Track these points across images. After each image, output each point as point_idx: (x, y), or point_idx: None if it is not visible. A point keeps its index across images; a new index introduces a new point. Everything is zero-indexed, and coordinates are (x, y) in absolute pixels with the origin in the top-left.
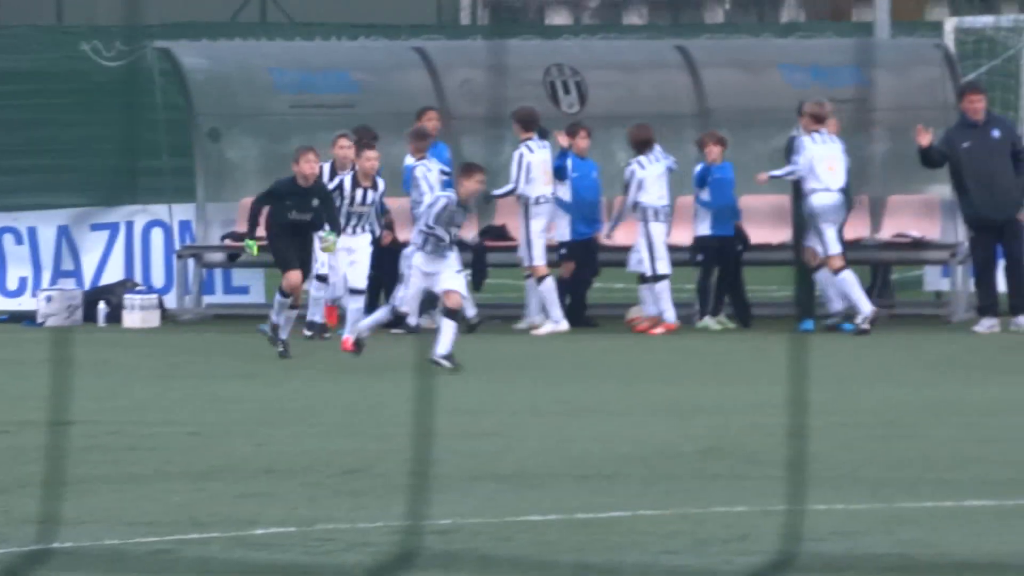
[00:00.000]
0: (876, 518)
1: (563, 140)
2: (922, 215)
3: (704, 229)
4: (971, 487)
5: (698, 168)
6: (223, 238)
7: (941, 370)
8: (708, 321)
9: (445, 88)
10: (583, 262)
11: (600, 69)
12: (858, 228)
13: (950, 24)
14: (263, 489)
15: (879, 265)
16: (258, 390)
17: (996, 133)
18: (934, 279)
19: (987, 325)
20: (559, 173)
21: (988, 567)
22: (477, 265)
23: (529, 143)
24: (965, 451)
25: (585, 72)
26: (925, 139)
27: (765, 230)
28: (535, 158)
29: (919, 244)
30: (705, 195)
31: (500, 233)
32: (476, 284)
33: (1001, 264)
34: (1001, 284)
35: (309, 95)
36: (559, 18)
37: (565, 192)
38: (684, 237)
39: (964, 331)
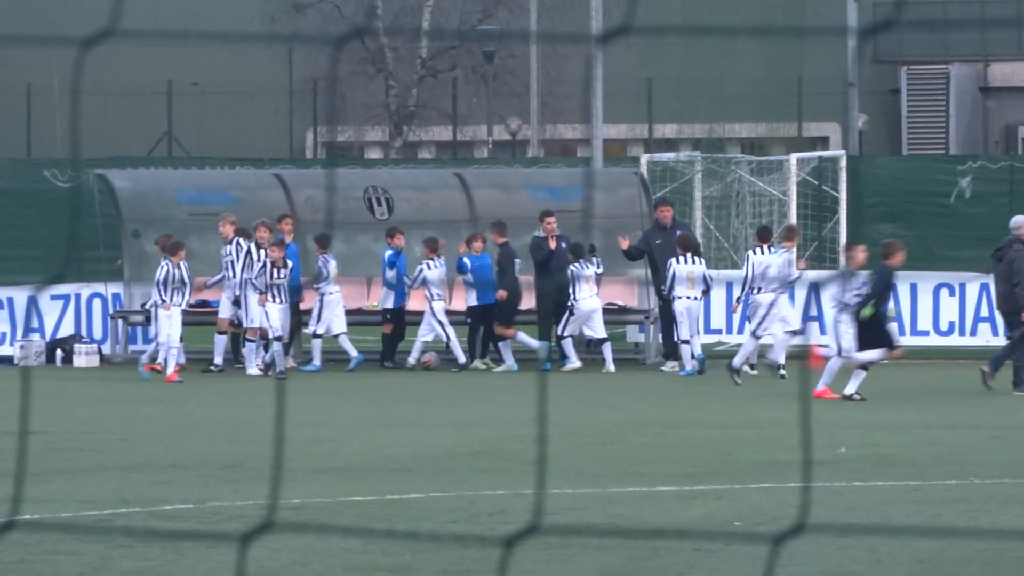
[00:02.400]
0: (595, 499)
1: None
2: (625, 289)
3: (472, 300)
4: (660, 477)
5: (459, 259)
6: (142, 305)
7: (639, 396)
8: (477, 363)
9: (295, 202)
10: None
11: (403, 188)
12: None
13: (644, 158)
14: (170, 478)
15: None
16: (167, 410)
17: (679, 233)
18: (633, 334)
19: (670, 366)
20: (460, 268)
21: (671, 532)
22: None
23: (429, 262)
24: (656, 452)
25: (392, 191)
26: (624, 244)
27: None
28: (432, 274)
29: (624, 309)
30: (469, 277)
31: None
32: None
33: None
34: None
35: (202, 206)
36: (374, 153)
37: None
38: (461, 305)
39: (654, 370)
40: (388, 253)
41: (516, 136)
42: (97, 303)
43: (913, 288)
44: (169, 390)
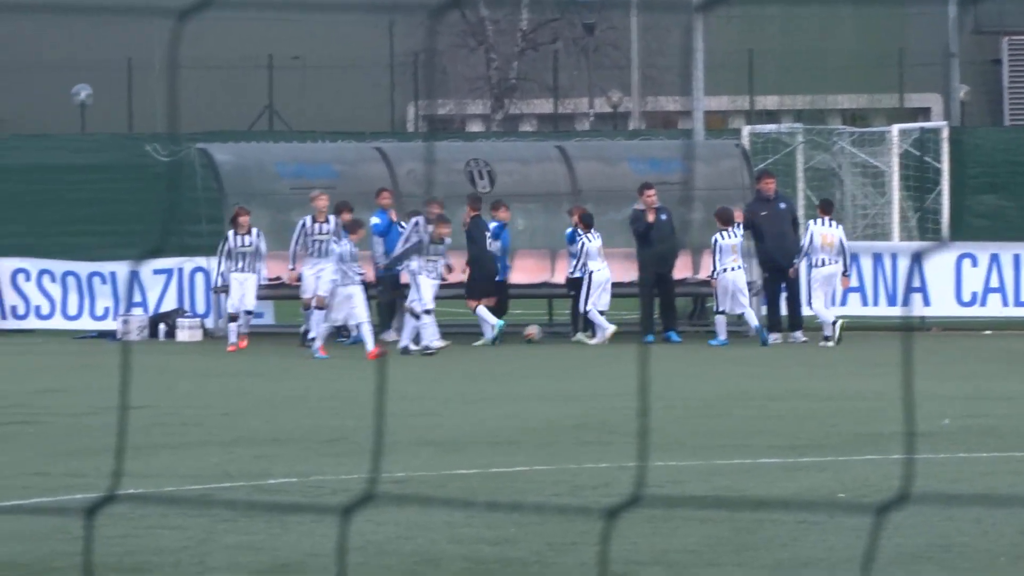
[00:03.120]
0: (698, 471)
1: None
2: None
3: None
4: (763, 450)
5: (568, 231)
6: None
7: (741, 369)
8: (580, 336)
9: (397, 175)
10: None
11: (504, 161)
12: (682, 270)
13: (746, 130)
14: (273, 452)
15: (697, 296)
16: (266, 384)
17: (782, 205)
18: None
19: (773, 338)
20: (496, 234)
21: (775, 504)
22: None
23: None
24: (758, 425)
25: (494, 164)
26: (739, 216)
27: (624, 270)
28: (592, 245)
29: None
30: (573, 248)
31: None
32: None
33: (784, 296)
34: (783, 310)
35: (304, 180)
36: (475, 126)
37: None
38: (562, 277)
39: (752, 344)
40: (493, 225)
41: (617, 108)
42: (199, 277)
43: (1016, 260)
44: (269, 366)
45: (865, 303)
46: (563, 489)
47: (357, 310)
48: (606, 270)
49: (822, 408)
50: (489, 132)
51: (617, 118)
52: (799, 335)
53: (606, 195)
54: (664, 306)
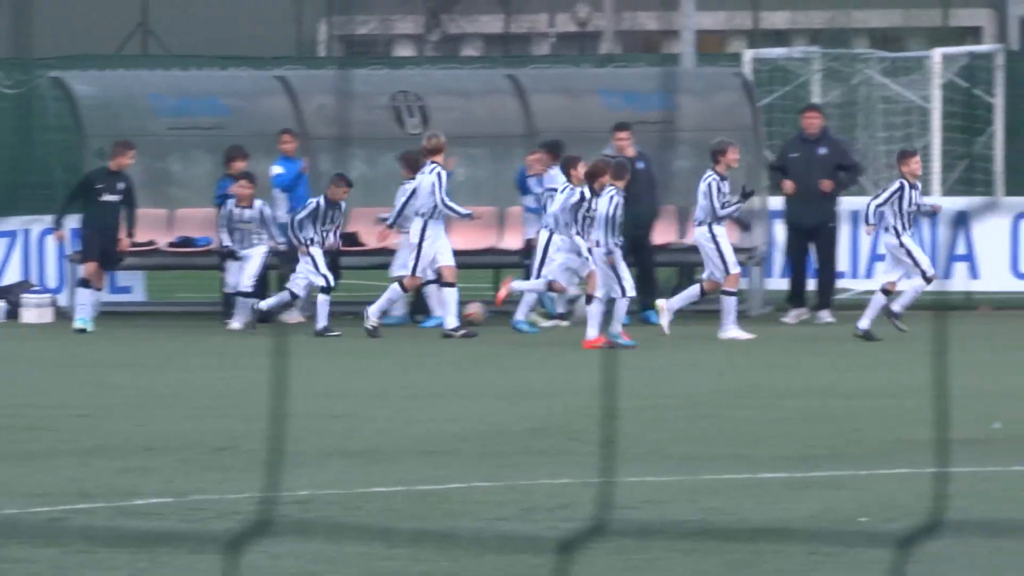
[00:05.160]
0: (681, 489)
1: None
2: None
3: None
4: (765, 461)
5: (521, 174)
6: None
7: (739, 358)
8: (534, 315)
9: (304, 112)
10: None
11: (440, 95)
12: (667, 234)
13: (748, 55)
14: (143, 464)
15: (684, 266)
16: (138, 378)
17: (823, 150)
18: None
19: (795, 315)
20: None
21: (779, 532)
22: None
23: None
24: (760, 430)
25: (427, 98)
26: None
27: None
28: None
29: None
30: (530, 201)
31: (353, 240)
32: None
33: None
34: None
35: (185, 118)
36: (404, 50)
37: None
38: (517, 241)
39: (761, 324)
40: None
41: (585, 27)
42: (50, 242)
43: None
44: (143, 354)
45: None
46: (511, 512)
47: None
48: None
49: (842, 408)
50: (422, 57)
51: (585, 40)
52: (825, 314)
53: (570, 136)
54: (642, 278)
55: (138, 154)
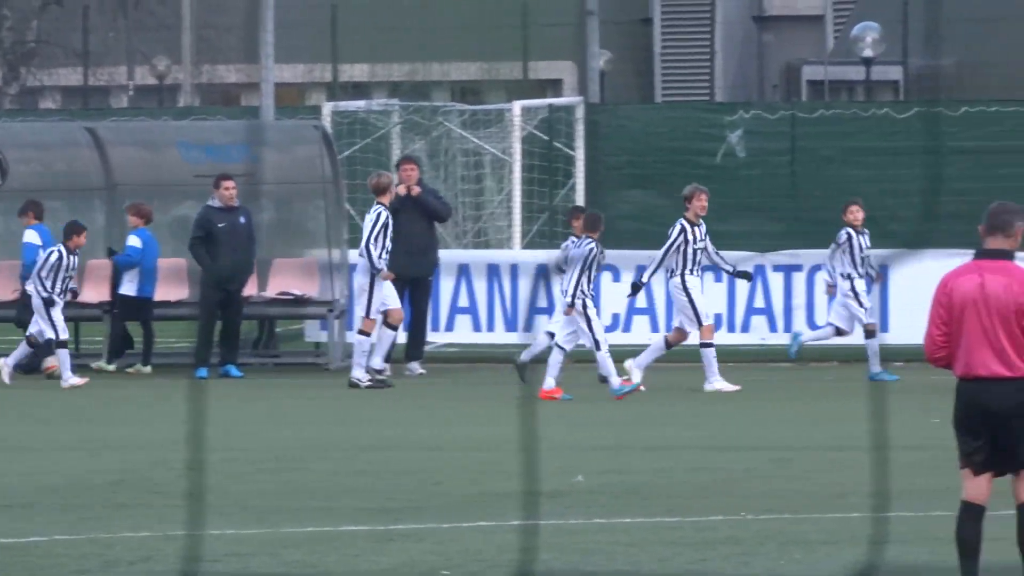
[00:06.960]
0: (263, 541)
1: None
2: (303, 276)
3: (132, 289)
4: (348, 514)
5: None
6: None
7: (322, 411)
8: (102, 363)
9: None
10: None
11: (18, 148)
12: (248, 287)
13: (328, 107)
14: None
15: (265, 319)
16: None
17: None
18: (313, 332)
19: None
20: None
21: None
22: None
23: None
24: (343, 482)
25: (5, 151)
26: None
27: (170, 288)
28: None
29: (300, 301)
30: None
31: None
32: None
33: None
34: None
35: None
36: None
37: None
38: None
39: (342, 377)
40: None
41: (163, 80)
42: None
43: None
44: None
45: (478, 328)
46: (93, 565)
47: None
48: None
49: (426, 460)
50: (1, 109)
51: (164, 92)
52: (416, 366)
53: (151, 190)
54: (226, 332)
55: None
